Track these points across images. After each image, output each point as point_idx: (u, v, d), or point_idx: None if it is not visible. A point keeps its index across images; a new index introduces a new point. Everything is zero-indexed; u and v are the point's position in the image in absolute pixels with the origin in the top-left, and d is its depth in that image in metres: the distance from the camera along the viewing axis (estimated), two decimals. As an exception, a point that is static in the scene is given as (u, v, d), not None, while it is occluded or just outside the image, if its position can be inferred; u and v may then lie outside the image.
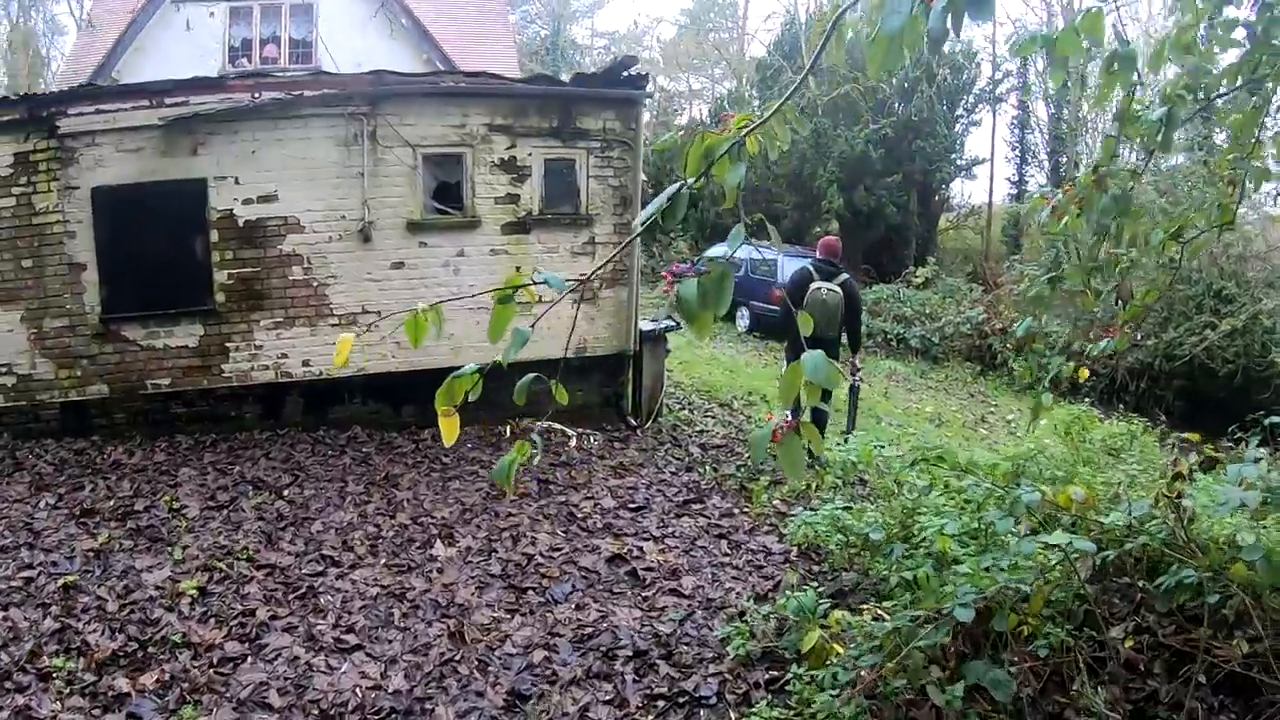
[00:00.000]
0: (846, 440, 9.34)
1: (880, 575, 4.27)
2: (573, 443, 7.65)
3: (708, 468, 7.19)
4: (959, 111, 19.46)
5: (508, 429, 7.83)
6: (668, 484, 6.77)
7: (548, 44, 30.50)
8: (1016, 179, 22.85)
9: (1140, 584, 3.89)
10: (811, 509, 5.57)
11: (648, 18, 53.82)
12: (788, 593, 4.21)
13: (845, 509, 4.66)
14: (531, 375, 1.99)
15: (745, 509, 6.39)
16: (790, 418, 7.82)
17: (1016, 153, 22.65)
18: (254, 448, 7.24)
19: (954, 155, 19.36)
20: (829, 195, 17.75)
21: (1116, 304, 3.39)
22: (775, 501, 6.53)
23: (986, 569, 3.35)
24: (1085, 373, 3.76)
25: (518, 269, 7.74)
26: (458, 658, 4.31)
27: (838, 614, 3.63)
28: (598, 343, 8.08)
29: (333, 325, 7.63)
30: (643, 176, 8.09)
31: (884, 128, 17.69)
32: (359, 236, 7.49)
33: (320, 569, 5.15)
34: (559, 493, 6.48)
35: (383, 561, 5.29)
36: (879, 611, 3.45)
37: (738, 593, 4.93)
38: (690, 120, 26.08)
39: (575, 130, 7.79)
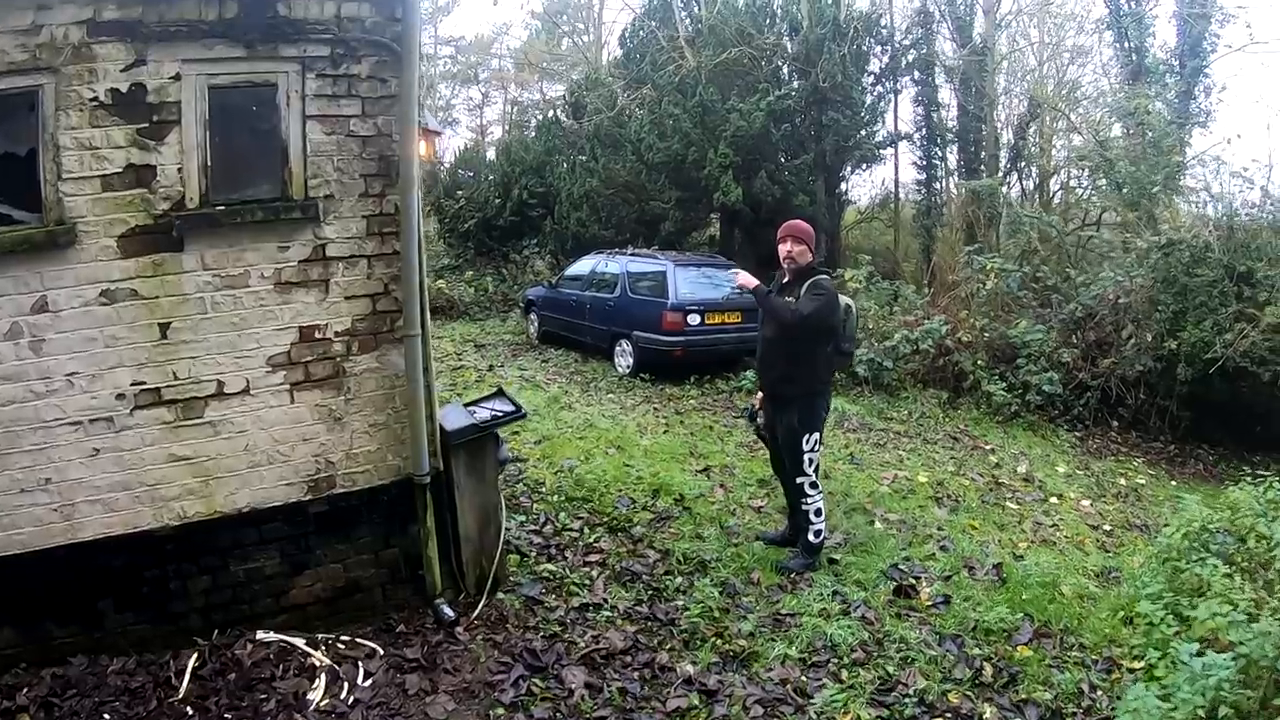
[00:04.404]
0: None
1: None
2: (315, 692, 3.48)
3: (604, 745, 3.18)
4: (867, 78, 16.01)
5: (188, 664, 3.59)
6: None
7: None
8: (924, 162, 19.72)
9: None
10: None
11: (495, 26, 49.20)
12: None
13: None
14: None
15: None
16: None
17: (923, 132, 19.52)
18: None
19: (874, 128, 15.88)
20: (723, 186, 13.83)
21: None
22: None
23: None
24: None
25: (163, 330, 3.55)
26: None
27: None
28: (355, 465, 3.91)
29: None
30: (424, 120, 4.01)
31: (787, 96, 14.00)
32: None
33: None
34: None
35: None
36: None
37: None
38: (546, 119, 21.77)
39: (275, 24, 3.63)
